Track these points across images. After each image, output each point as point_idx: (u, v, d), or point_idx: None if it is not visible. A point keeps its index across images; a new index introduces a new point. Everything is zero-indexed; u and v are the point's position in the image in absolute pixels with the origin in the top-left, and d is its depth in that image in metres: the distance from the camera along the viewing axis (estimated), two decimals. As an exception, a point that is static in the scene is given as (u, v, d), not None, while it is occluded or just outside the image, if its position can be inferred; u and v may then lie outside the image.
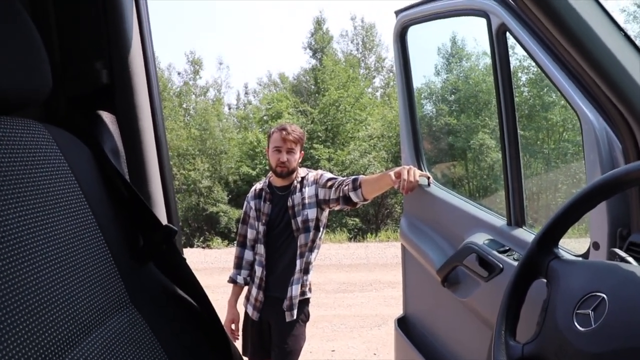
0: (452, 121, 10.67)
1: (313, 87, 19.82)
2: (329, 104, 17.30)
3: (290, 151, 2.13)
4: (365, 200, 2.02)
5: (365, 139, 16.31)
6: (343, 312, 5.14)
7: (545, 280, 0.82)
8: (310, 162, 15.07)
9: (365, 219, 15.07)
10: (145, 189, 0.99)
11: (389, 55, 22.47)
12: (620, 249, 1.03)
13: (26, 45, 0.69)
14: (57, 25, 0.95)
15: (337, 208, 2.14)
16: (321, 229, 2.18)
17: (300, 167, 2.22)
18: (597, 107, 1.10)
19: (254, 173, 16.62)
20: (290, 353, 2.12)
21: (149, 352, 0.76)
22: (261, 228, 2.17)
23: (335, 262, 7.91)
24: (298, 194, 2.14)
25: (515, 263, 1.27)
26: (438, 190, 1.77)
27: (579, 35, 0.93)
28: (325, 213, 2.19)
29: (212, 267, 7.82)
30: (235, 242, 2.34)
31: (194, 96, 22.30)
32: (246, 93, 25.32)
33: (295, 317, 2.11)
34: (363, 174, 2.38)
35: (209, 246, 12.03)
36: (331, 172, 2.49)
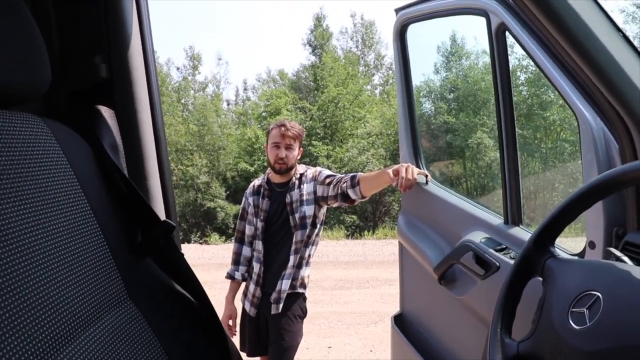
0: (451, 119, 10.68)
1: (312, 84, 19.80)
2: (327, 101, 17.29)
3: (289, 147, 2.13)
4: (363, 197, 2.03)
5: (363, 136, 16.32)
6: (340, 309, 5.15)
7: (541, 279, 0.83)
8: (308, 159, 15.07)
9: (363, 216, 15.10)
10: (144, 184, 0.99)
11: (389, 52, 22.49)
12: (616, 248, 1.03)
13: (26, 40, 0.69)
14: (57, 20, 0.95)
15: (335, 205, 2.15)
16: (318, 225, 2.18)
17: (298, 164, 2.22)
18: (594, 107, 1.11)
19: (252, 169, 16.62)
20: (287, 349, 2.13)
21: (146, 347, 0.77)
22: (259, 224, 2.17)
23: (333, 259, 7.92)
24: (296, 191, 2.14)
25: (512, 261, 1.27)
26: (436, 189, 1.78)
27: (577, 36, 0.93)
28: (323, 210, 2.19)
29: (210, 263, 7.82)
30: (233, 238, 2.34)
31: (192, 92, 22.27)
32: (245, 89, 25.35)
33: (280, 310, 2.11)
34: (361, 172, 2.38)
35: (206, 242, 12.02)
36: (329, 169, 2.49)
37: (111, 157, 0.85)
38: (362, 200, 2.07)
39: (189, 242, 12.66)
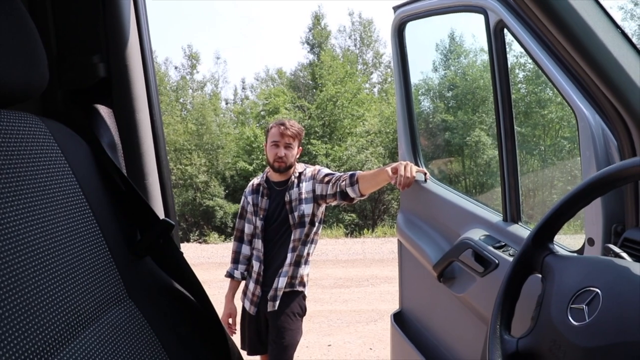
0: (449, 117, 10.69)
1: (310, 82, 19.79)
2: (326, 99, 17.28)
3: (288, 146, 2.13)
4: (362, 195, 2.03)
5: (362, 134, 16.32)
6: (339, 307, 5.16)
7: (540, 276, 0.83)
8: (307, 157, 15.07)
9: (362, 214, 15.11)
10: (143, 183, 0.99)
11: (387, 51, 22.48)
12: (615, 244, 1.03)
13: (23, 39, 0.69)
14: (55, 19, 0.95)
15: (334, 203, 2.15)
16: (317, 224, 2.18)
17: (297, 162, 2.22)
18: (593, 104, 1.11)
19: (250, 168, 16.62)
20: (287, 347, 2.13)
21: (146, 346, 0.77)
22: (259, 223, 2.17)
23: (332, 257, 7.93)
24: (295, 189, 2.14)
25: (511, 258, 1.27)
26: (435, 186, 1.78)
27: (576, 33, 0.94)
28: (322, 208, 2.20)
29: (209, 262, 7.82)
30: (232, 237, 2.34)
31: (191, 91, 22.24)
32: (243, 88, 25.34)
33: (277, 307, 2.11)
34: (360, 170, 2.38)
35: (205, 241, 12.02)
36: (328, 167, 2.48)
37: (110, 156, 0.85)
38: (361, 198, 2.07)
39: (188, 241, 12.67)
